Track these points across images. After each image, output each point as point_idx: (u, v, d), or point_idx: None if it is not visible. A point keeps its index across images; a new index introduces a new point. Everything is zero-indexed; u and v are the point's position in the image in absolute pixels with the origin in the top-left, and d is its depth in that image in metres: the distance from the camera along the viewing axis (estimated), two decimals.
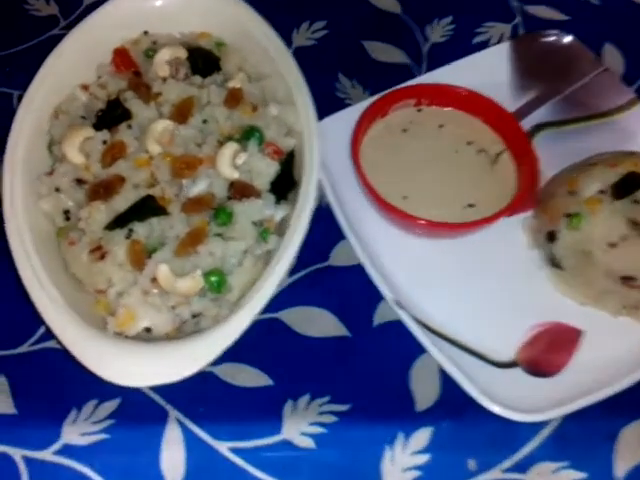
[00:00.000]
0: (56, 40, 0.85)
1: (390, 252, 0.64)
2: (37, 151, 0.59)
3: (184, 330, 0.53)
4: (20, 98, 0.78)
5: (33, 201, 0.56)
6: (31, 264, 0.52)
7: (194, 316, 0.53)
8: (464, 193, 0.64)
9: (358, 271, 0.64)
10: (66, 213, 0.56)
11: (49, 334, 0.57)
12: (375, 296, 0.62)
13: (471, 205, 0.64)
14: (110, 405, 0.55)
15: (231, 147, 0.59)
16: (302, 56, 0.68)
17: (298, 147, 0.62)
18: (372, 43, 0.88)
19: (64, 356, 0.54)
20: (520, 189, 0.64)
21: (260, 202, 0.57)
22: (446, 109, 0.71)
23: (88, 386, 0.53)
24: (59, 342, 0.50)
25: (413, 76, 0.85)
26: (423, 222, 0.60)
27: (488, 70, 0.78)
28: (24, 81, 0.78)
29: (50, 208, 0.56)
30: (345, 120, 0.71)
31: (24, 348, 0.59)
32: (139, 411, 0.55)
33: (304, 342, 0.60)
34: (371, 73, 0.84)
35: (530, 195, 0.63)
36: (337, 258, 0.67)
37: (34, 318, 0.56)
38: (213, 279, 0.52)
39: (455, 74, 0.76)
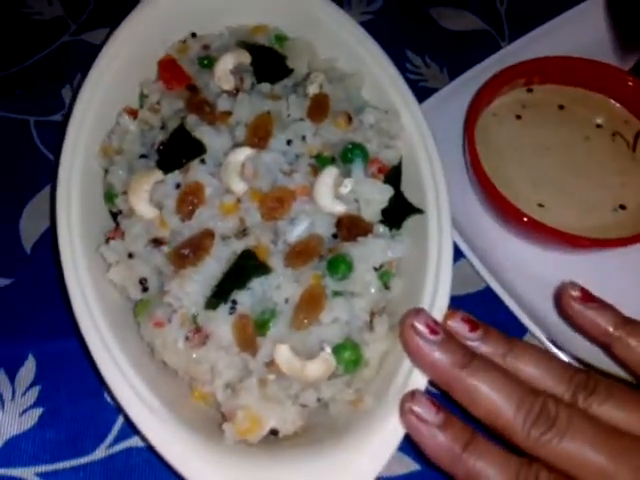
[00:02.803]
0: (68, 48, 0.73)
1: (525, 273, 0.53)
2: (94, 207, 0.47)
3: (312, 420, 0.42)
4: (39, 125, 0.67)
5: (101, 274, 0.45)
6: (113, 358, 0.41)
7: (319, 399, 0.43)
8: (609, 192, 0.53)
9: (484, 299, 0.53)
10: (142, 282, 0.45)
11: (132, 428, 0.47)
12: (515, 331, 0.52)
13: (622, 207, 0.52)
14: None
15: (331, 173, 0.47)
16: None
17: (405, 159, 0.50)
18: (439, 10, 0.74)
19: (149, 456, 0.46)
20: None
21: (381, 241, 0.45)
22: (562, 86, 0.59)
23: None
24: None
25: (497, 44, 0.73)
26: (586, 242, 0.48)
27: (586, 29, 0.66)
28: (40, 104, 0.67)
29: (123, 279, 0.45)
30: (434, 110, 0.58)
31: (101, 452, 0.48)
32: None
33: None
34: (444, 46, 0.72)
35: None
36: (453, 284, 0.55)
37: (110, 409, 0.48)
38: (347, 356, 0.41)
39: (549, 38, 0.64)
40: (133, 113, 0.51)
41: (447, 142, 0.58)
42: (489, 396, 0.37)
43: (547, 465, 0.37)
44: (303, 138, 0.49)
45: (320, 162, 0.49)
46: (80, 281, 0.43)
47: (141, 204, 0.45)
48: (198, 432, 0.40)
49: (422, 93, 0.63)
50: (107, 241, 0.45)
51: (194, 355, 0.42)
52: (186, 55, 0.53)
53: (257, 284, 0.43)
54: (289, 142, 0.49)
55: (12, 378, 0.50)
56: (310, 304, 0.42)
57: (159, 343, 0.43)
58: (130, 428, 0.48)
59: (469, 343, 0.40)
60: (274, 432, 0.41)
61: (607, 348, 0.43)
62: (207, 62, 0.52)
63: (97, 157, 0.49)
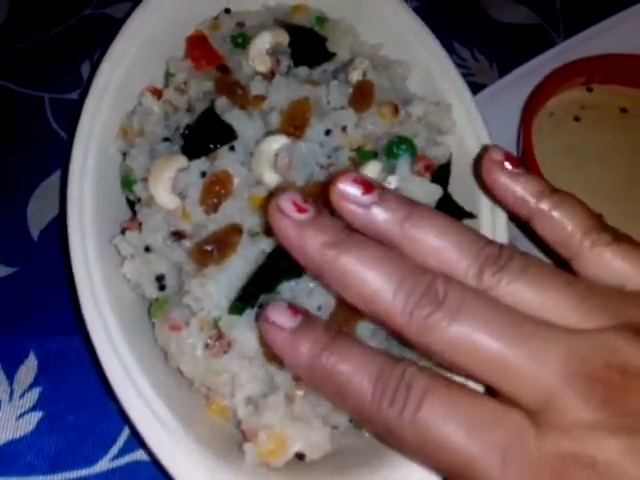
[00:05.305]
0: (90, 22, 0.68)
1: None
2: (110, 193, 0.42)
3: (343, 442, 0.37)
4: (54, 102, 0.63)
5: (114, 267, 0.40)
6: (122, 362, 0.36)
7: (351, 419, 0.38)
8: None
9: None
10: (159, 279, 0.40)
11: (138, 441, 0.43)
12: None
13: None
14: None
15: (374, 168, 0.42)
16: None
17: (455, 157, 0.46)
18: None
19: (157, 473, 0.41)
20: None
21: None
22: (625, 87, 0.54)
23: None
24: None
25: (551, 40, 0.68)
26: None
27: None
28: (56, 80, 0.62)
29: (137, 275, 0.40)
30: (484, 107, 0.53)
31: (104, 465, 0.44)
32: None
33: None
34: (494, 39, 0.67)
35: None
36: None
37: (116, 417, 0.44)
38: None
39: (609, 36, 0.59)
40: (157, 93, 0.47)
41: (496, 141, 0.53)
42: (363, 276, 0.30)
43: (435, 359, 0.30)
44: (343, 129, 0.44)
45: (361, 156, 0.44)
46: (90, 274, 0.39)
47: (162, 193, 0.40)
48: (215, 452, 0.35)
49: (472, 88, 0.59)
50: (122, 232, 0.41)
51: (214, 364, 0.37)
52: (218, 32, 0.49)
53: (286, 289, 0.39)
54: (328, 132, 0.44)
55: (11, 377, 0.46)
56: (347, 311, 0.37)
57: (174, 348, 0.38)
58: (137, 440, 0.44)
59: (361, 210, 0.32)
60: (300, 456, 0.36)
61: (527, 223, 0.35)
62: (241, 41, 0.48)
63: (115, 139, 0.45)
